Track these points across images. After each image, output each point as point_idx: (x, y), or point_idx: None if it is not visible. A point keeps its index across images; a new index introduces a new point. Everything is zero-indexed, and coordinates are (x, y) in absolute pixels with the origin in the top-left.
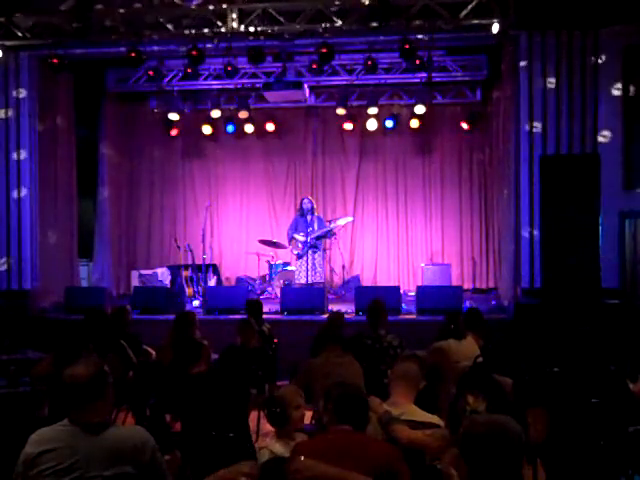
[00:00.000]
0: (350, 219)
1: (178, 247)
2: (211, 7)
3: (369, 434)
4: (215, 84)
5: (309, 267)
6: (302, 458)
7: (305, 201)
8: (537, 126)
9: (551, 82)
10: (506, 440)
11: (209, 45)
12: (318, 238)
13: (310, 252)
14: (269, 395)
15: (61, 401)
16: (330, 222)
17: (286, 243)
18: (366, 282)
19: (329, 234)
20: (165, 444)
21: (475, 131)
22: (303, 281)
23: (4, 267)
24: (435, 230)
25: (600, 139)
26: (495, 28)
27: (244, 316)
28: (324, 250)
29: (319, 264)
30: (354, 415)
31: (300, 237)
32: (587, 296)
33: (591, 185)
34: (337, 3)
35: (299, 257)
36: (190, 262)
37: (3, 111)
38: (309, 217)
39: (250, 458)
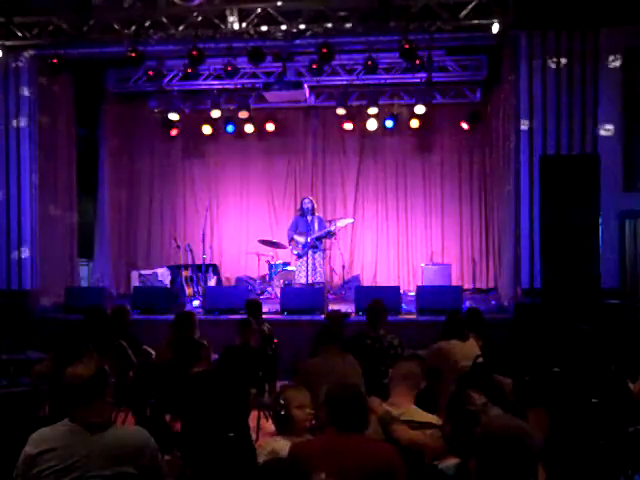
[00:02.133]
0: (350, 221)
1: (178, 247)
2: (211, 7)
3: (368, 434)
4: (215, 84)
5: (309, 267)
6: (323, 476)
7: (306, 201)
8: (537, 126)
9: (551, 82)
10: (522, 447)
11: (209, 45)
12: (318, 239)
13: (310, 252)
14: (273, 397)
15: (61, 401)
16: (330, 223)
17: (286, 243)
18: (366, 282)
19: (329, 235)
20: (165, 444)
21: (475, 131)
22: (303, 281)
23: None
24: (435, 230)
25: (600, 139)
26: (495, 28)
27: (244, 316)
28: (324, 250)
29: (319, 264)
30: (350, 418)
31: (300, 239)
32: (587, 296)
33: (591, 185)
34: (337, 3)
35: (299, 257)
36: (190, 262)
37: (3, 111)
38: (309, 217)
39: (250, 458)
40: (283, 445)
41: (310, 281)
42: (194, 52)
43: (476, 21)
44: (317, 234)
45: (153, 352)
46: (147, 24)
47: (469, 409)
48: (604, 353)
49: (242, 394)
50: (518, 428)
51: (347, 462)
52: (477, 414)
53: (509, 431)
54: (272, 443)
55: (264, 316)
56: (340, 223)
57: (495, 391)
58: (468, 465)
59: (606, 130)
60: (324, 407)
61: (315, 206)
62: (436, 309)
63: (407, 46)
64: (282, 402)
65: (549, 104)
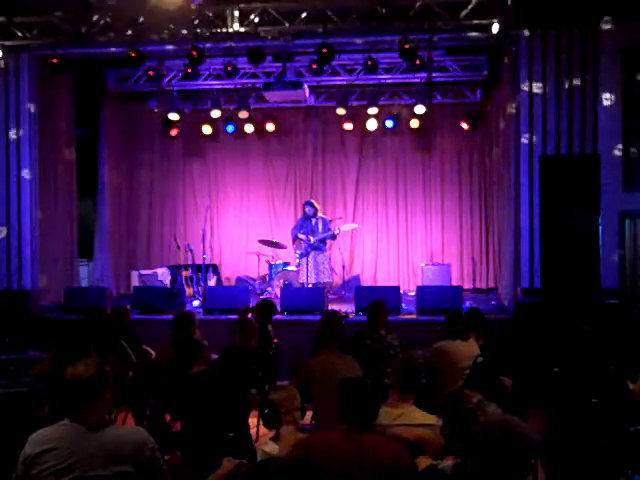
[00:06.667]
0: (355, 226)
1: (178, 247)
2: (211, 7)
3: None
4: (215, 84)
5: (312, 268)
6: None
7: (307, 208)
8: (537, 126)
9: (551, 82)
10: (518, 444)
11: (209, 45)
12: (321, 240)
13: (313, 253)
14: (263, 398)
15: (62, 400)
16: (333, 222)
17: (285, 243)
18: (366, 282)
19: (332, 238)
20: (165, 444)
21: (475, 131)
22: (303, 281)
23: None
24: (435, 230)
25: (600, 139)
26: (495, 28)
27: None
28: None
29: (322, 265)
30: (359, 413)
31: (304, 237)
32: (587, 296)
33: (591, 185)
34: (337, 3)
35: (301, 256)
36: (190, 262)
37: (3, 111)
38: (313, 220)
39: (250, 458)
40: (274, 449)
41: (314, 281)
42: (194, 52)
43: (476, 21)
44: (320, 236)
45: (153, 352)
46: (147, 24)
47: (465, 407)
48: (604, 353)
49: (242, 394)
50: (514, 424)
51: (358, 457)
52: (473, 412)
53: (505, 428)
54: (261, 447)
55: None
56: (344, 227)
57: (497, 391)
58: (466, 463)
59: (606, 130)
60: (337, 402)
61: (318, 208)
62: (436, 309)
63: (407, 46)
64: (269, 404)
65: (549, 104)
